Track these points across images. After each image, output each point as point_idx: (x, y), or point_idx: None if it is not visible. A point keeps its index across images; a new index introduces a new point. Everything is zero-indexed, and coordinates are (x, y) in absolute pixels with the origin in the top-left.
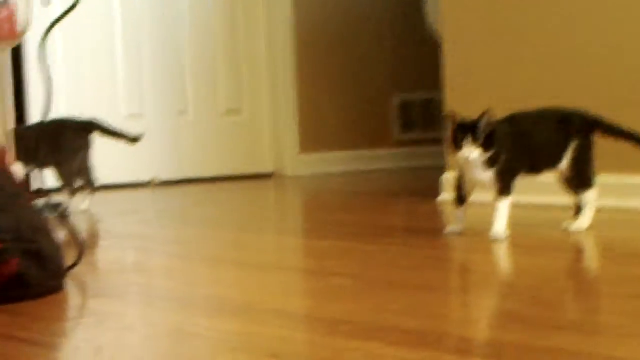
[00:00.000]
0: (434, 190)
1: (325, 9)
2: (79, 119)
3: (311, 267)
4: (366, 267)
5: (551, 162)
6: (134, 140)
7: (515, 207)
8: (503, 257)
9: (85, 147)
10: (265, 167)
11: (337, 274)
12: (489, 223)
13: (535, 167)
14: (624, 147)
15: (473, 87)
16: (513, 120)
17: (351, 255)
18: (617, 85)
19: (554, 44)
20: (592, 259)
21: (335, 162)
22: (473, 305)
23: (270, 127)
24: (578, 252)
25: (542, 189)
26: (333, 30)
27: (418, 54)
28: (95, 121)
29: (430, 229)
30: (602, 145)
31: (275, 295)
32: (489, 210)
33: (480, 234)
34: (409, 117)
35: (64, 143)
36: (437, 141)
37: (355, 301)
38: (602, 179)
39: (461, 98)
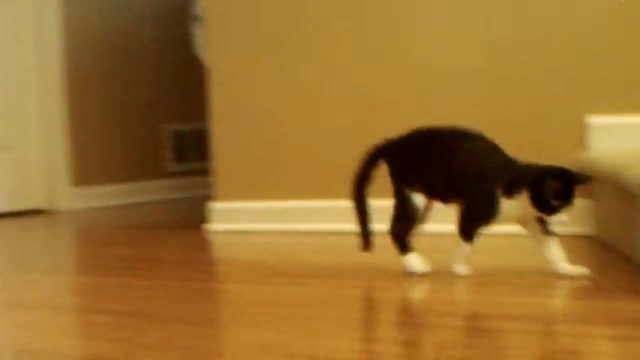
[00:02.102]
0: (204, 220)
1: (95, 44)
2: None
3: (75, 305)
4: (128, 302)
5: None
6: None
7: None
8: (261, 287)
9: None
10: (36, 203)
11: (98, 311)
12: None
13: None
14: None
15: (240, 117)
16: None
17: (117, 290)
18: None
19: (322, 74)
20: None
21: (108, 196)
22: (231, 336)
23: (40, 162)
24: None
25: None
26: (102, 65)
27: (187, 85)
28: None
29: (199, 260)
30: None
31: (32, 335)
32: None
33: (236, 264)
34: (182, 148)
35: None
36: (209, 171)
37: (110, 338)
38: None
39: (227, 128)
